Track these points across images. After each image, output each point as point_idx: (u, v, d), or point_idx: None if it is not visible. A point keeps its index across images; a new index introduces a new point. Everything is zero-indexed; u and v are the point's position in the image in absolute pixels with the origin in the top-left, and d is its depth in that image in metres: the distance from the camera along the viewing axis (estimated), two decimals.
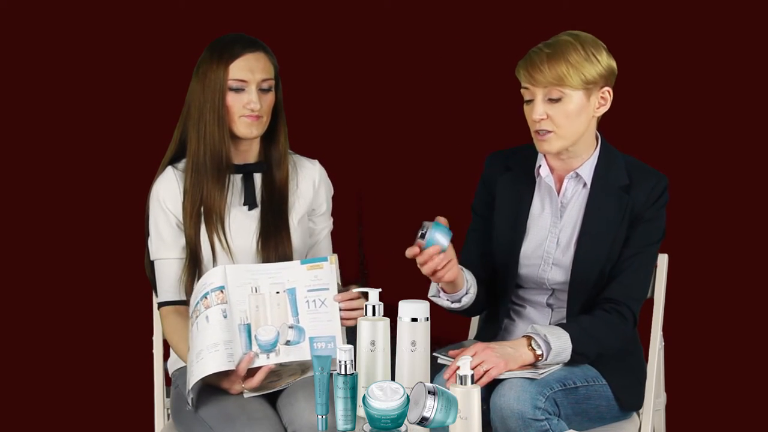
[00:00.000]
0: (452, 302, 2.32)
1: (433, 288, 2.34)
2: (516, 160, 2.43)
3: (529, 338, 2.22)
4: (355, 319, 2.18)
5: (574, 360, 2.24)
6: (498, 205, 2.41)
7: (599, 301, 2.31)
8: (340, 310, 2.23)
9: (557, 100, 2.23)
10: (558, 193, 2.35)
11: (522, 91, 2.29)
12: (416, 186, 3.20)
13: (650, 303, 2.43)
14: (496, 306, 2.45)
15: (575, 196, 2.35)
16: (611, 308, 2.28)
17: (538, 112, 2.24)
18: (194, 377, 2.13)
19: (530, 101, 2.27)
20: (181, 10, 3.17)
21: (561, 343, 2.21)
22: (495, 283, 2.43)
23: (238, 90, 2.29)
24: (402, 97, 3.23)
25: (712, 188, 3.15)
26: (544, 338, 2.20)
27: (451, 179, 3.16)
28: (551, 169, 2.36)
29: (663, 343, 2.48)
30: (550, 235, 2.35)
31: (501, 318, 2.42)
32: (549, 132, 2.26)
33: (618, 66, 2.31)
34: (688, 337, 3.01)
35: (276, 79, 2.35)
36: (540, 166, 2.37)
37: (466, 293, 2.31)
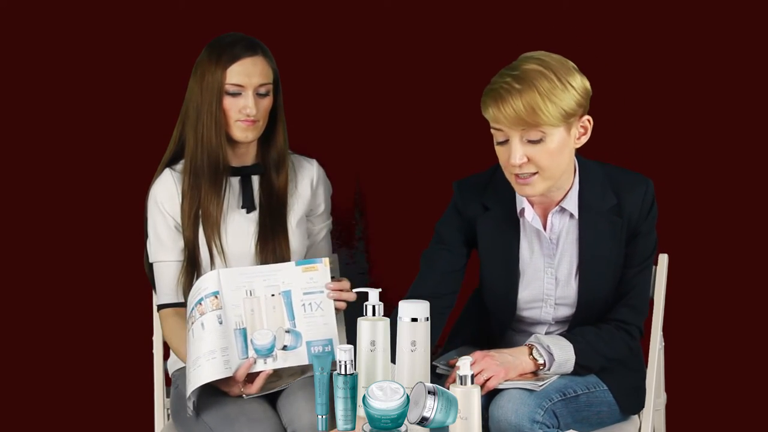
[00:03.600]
0: None
1: None
2: (491, 197, 2.26)
3: (530, 347, 2.19)
4: (344, 302, 2.24)
5: (577, 372, 2.20)
6: (483, 249, 2.29)
7: (606, 320, 2.24)
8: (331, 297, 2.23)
9: (538, 141, 2.04)
10: (545, 229, 2.23)
11: (493, 131, 2.08)
12: (417, 186, 3.20)
13: (650, 303, 2.43)
14: (474, 307, 2.42)
15: (564, 230, 2.23)
16: (619, 326, 2.23)
17: (517, 156, 2.04)
18: (191, 385, 2.13)
19: (504, 143, 2.07)
20: (181, 10, 3.17)
21: (564, 355, 2.17)
22: (489, 322, 2.37)
23: (234, 94, 2.29)
24: (402, 96, 3.23)
25: (712, 188, 3.14)
26: (546, 348, 2.17)
27: (451, 178, 3.15)
28: (532, 205, 2.22)
29: (663, 343, 2.48)
30: (546, 275, 2.26)
31: (494, 325, 2.36)
32: (533, 174, 2.08)
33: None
34: (688, 337, 3.00)
35: (275, 83, 2.34)
36: (523, 208, 2.21)
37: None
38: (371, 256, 3.28)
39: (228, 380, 2.18)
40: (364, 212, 3.24)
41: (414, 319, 2.03)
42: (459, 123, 3.23)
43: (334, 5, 3.20)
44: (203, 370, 2.12)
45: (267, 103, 2.32)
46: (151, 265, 2.38)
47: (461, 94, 3.21)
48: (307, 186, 2.44)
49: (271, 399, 2.27)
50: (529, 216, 2.21)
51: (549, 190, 2.14)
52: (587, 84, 2.11)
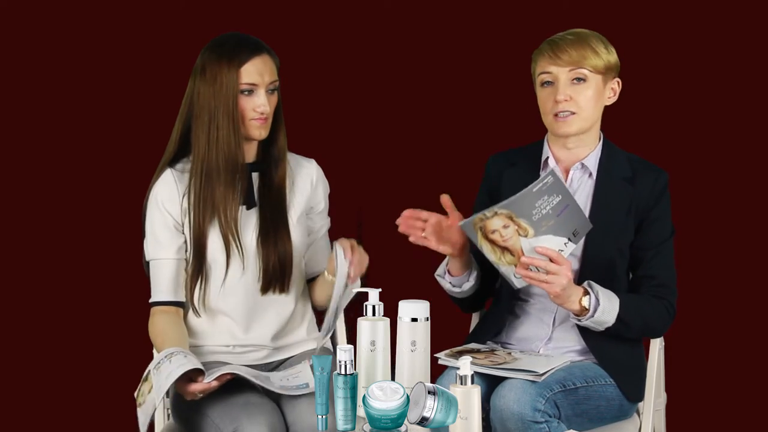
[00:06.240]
0: (453, 286, 2.40)
1: (440, 267, 2.42)
2: (520, 156, 2.47)
3: (584, 290, 2.26)
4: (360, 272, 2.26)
5: (617, 329, 2.28)
6: (503, 194, 2.39)
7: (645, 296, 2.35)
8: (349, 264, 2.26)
9: (582, 80, 2.30)
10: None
11: (541, 75, 2.33)
12: (416, 186, 3.20)
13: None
14: (499, 301, 2.46)
15: (581, 186, 2.39)
16: (658, 299, 2.34)
17: (563, 92, 2.29)
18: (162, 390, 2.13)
19: (550, 83, 2.32)
20: (181, 10, 3.17)
21: (609, 304, 2.25)
22: (498, 276, 2.43)
23: (248, 93, 2.30)
24: (401, 97, 3.23)
25: (712, 188, 3.15)
26: (596, 294, 2.24)
27: (450, 179, 3.15)
28: (557, 161, 2.41)
29: (663, 343, 2.48)
30: None
31: (504, 313, 2.43)
32: (572, 114, 2.31)
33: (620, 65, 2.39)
34: (688, 337, 3.00)
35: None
36: (548, 157, 2.41)
37: (467, 280, 2.38)
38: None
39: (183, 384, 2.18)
40: (361, 218, 3.25)
41: (414, 319, 2.04)
42: (458, 124, 3.23)
43: (332, 5, 3.21)
44: (172, 370, 2.14)
45: (275, 99, 2.36)
46: (148, 264, 2.39)
47: (460, 95, 3.22)
48: (307, 183, 2.46)
49: (275, 397, 2.28)
50: (552, 163, 2.40)
51: (575, 139, 2.36)
52: (618, 60, 2.38)
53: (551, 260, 2.18)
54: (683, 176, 3.02)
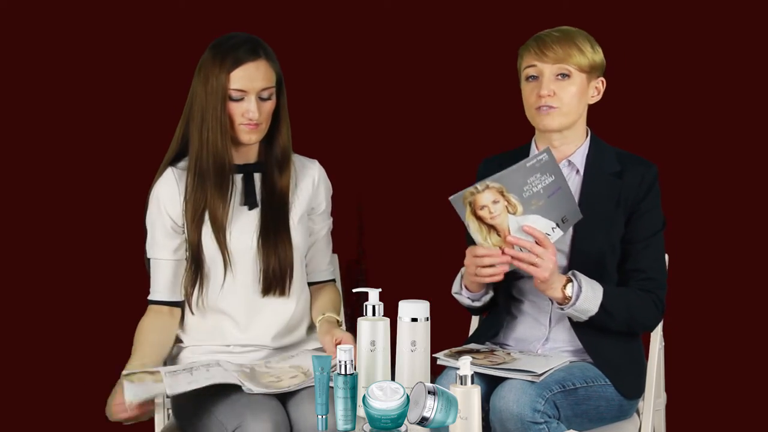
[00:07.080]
0: (473, 301, 2.41)
1: (455, 285, 2.43)
2: (508, 158, 2.46)
3: (568, 279, 2.26)
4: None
5: (602, 319, 2.27)
6: None
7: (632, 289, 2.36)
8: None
9: (566, 76, 2.31)
10: None
11: (527, 70, 2.35)
12: (416, 186, 3.20)
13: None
14: (496, 302, 2.46)
15: (569, 183, 2.36)
16: (646, 292, 2.33)
17: (547, 87, 2.30)
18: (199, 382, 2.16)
19: (535, 78, 2.33)
20: (181, 10, 3.17)
21: (593, 293, 2.25)
22: (496, 308, 2.45)
23: (237, 99, 2.29)
24: (401, 97, 3.24)
25: (712, 188, 3.15)
26: (579, 283, 2.25)
27: (450, 179, 3.16)
28: None
29: (663, 343, 2.48)
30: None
31: (501, 314, 2.43)
32: (553, 108, 2.31)
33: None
34: (688, 337, 3.01)
35: (278, 84, 2.35)
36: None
37: (487, 292, 2.40)
38: (367, 258, 3.28)
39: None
40: (361, 218, 3.24)
41: (414, 319, 2.04)
42: (458, 123, 3.23)
43: (334, 6, 3.21)
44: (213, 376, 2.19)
45: (269, 106, 2.34)
46: (149, 260, 2.40)
47: (460, 94, 3.22)
48: (309, 184, 2.45)
49: (279, 395, 2.28)
50: None
51: (560, 136, 2.37)
52: (603, 60, 2.39)
53: (537, 242, 2.19)
54: (683, 176, 3.02)
